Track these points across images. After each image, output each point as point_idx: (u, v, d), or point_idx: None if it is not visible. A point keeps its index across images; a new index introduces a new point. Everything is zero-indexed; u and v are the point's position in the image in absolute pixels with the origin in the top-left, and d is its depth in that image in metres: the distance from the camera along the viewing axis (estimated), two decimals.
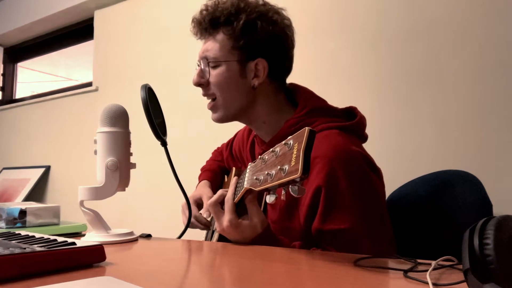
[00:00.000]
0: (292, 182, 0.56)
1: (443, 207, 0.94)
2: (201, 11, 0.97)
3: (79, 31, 3.01)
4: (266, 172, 0.62)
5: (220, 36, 0.94)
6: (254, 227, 0.79)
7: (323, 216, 0.81)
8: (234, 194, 0.80)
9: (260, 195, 0.97)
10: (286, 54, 0.98)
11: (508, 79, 1.37)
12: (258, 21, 0.93)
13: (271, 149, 0.63)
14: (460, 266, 0.42)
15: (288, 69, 1.01)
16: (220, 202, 0.83)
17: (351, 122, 0.92)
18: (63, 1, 2.83)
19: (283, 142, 0.60)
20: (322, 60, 1.77)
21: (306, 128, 0.56)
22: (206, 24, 0.95)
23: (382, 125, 1.57)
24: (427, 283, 0.47)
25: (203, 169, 1.27)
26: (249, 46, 0.93)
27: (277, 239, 0.83)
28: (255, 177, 0.66)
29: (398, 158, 1.53)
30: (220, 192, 0.84)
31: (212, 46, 0.95)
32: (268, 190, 0.64)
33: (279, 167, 0.58)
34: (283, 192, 0.60)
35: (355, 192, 0.81)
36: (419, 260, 0.58)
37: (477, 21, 1.44)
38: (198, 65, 0.98)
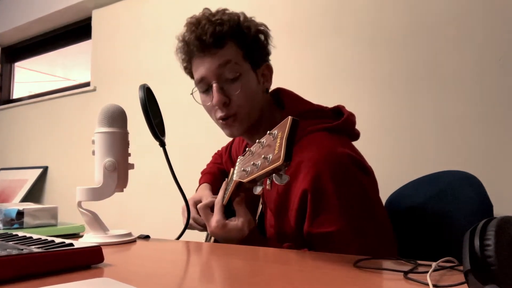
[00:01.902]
0: (276, 170, 0.57)
1: (444, 208, 0.94)
2: (195, 28, 0.91)
3: (77, 30, 3.00)
4: (252, 163, 0.63)
5: (231, 47, 0.91)
6: (241, 227, 0.82)
7: (311, 219, 0.81)
8: (223, 196, 0.84)
9: (256, 199, 0.98)
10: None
11: (509, 78, 1.38)
12: (261, 28, 0.96)
13: (257, 141, 0.64)
14: (461, 268, 0.42)
15: None
16: (211, 207, 0.87)
17: (337, 122, 0.92)
18: (60, 1, 2.82)
19: (268, 132, 0.61)
20: (320, 60, 1.77)
21: (289, 117, 0.57)
22: (211, 39, 0.90)
23: (382, 125, 1.57)
24: (428, 285, 0.47)
25: (203, 172, 1.27)
26: (259, 52, 0.95)
27: (264, 242, 0.84)
28: (242, 169, 0.67)
29: (398, 158, 1.53)
30: (210, 198, 0.89)
31: (227, 58, 0.91)
32: (256, 181, 0.64)
33: (263, 156, 0.59)
34: (268, 182, 0.60)
35: (341, 194, 0.80)
36: (419, 261, 0.58)
37: (477, 20, 1.44)
38: (209, 84, 0.93)
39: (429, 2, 1.54)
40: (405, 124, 1.55)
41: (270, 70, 0.99)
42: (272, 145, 0.58)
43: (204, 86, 0.94)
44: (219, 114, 0.93)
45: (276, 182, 0.58)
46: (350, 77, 1.69)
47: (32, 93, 3.41)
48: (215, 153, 1.34)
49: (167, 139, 0.95)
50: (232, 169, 1.14)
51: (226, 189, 0.87)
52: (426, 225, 0.98)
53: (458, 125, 1.45)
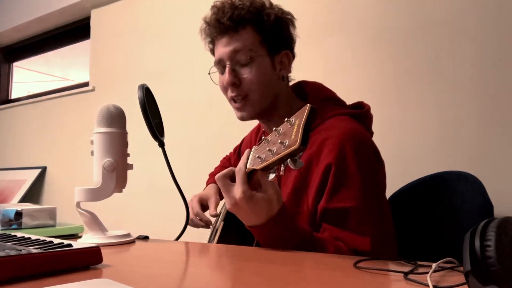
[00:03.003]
0: (292, 155, 0.58)
1: (444, 209, 0.95)
2: (217, 11, 0.95)
3: (75, 30, 3.00)
4: (268, 149, 0.63)
5: (248, 32, 0.94)
6: (270, 200, 0.72)
7: (330, 194, 0.83)
8: (246, 164, 0.72)
9: None
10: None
11: (509, 79, 1.37)
12: (283, 16, 0.99)
13: (274, 128, 0.65)
14: (461, 268, 0.42)
15: None
16: (230, 178, 0.74)
17: (360, 110, 0.97)
18: (59, 1, 2.81)
19: (285, 119, 0.62)
20: (323, 59, 1.77)
21: (308, 104, 0.58)
22: (229, 22, 0.93)
23: (383, 125, 1.56)
24: (428, 285, 0.46)
25: (211, 174, 1.28)
26: (277, 39, 0.97)
27: (293, 220, 0.77)
28: (257, 156, 0.68)
29: (399, 159, 1.53)
30: (229, 168, 0.76)
31: (241, 43, 0.94)
32: (270, 169, 0.65)
33: (279, 141, 0.60)
34: (282, 168, 0.61)
35: (363, 175, 0.83)
36: (419, 262, 0.58)
37: (478, 20, 1.44)
38: (224, 66, 0.96)
39: (430, 2, 1.54)
40: (405, 124, 1.55)
41: (289, 58, 1.00)
42: (288, 133, 0.60)
43: (221, 67, 0.98)
44: (230, 93, 0.97)
45: (291, 167, 0.59)
46: (351, 77, 1.69)
47: (31, 93, 3.40)
48: (224, 158, 1.36)
49: (166, 140, 0.95)
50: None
51: (247, 159, 0.74)
52: (427, 225, 0.98)
53: (459, 125, 1.45)
